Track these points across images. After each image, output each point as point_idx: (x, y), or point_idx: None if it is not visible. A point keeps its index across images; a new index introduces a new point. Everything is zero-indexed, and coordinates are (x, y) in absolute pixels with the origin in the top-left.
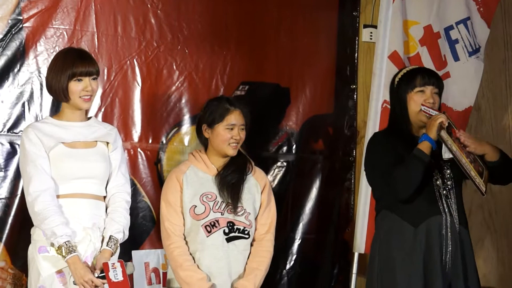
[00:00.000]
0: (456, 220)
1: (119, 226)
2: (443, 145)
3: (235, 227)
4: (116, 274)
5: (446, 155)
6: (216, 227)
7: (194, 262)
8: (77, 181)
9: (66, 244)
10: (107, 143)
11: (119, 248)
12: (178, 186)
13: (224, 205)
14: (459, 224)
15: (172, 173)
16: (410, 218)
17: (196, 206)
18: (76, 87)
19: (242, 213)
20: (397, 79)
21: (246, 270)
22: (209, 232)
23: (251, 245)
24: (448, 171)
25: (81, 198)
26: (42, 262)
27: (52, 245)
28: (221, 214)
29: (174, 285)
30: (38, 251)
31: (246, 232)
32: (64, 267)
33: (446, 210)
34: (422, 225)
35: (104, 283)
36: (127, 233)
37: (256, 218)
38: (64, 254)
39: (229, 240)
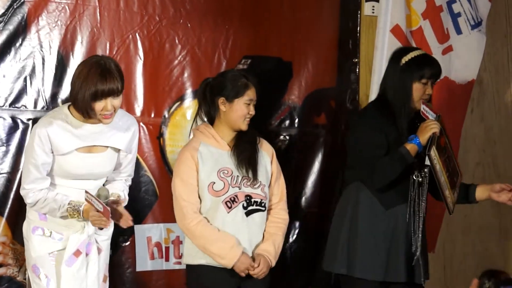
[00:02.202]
0: (423, 210)
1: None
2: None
3: (253, 200)
4: (97, 204)
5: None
6: (236, 202)
7: None
8: (79, 181)
9: (70, 210)
10: (119, 149)
11: (111, 229)
12: (194, 164)
13: (240, 179)
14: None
15: (185, 151)
16: (383, 199)
17: (214, 183)
18: (97, 106)
19: (258, 185)
20: (403, 61)
21: (265, 236)
22: (229, 208)
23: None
24: (426, 170)
25: (78, 189)
26: (35, 243)
27: (65, 216)
28: (239, 189)
29: (193, 262)
30: (32, 231)
31: (262, 204)
32: (57, 250)
33: (416, 198)
34: (392, 210)
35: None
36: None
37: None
38: (76, 216)
39: (248, 214)
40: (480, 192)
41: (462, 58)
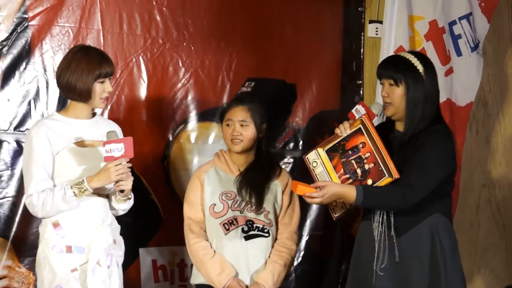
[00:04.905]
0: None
1: None
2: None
3: (255, 225)
4: (116, 148)
5: None
6: (234, 225)
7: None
8: None
9: (74, 188)
10: None
11: (123, 245)
12: (200, 185)
13: (243, 203)
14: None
15: (195, 173)
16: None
17: (215, 205)
18: (100, 88)
19: (262, 211)
20: None
21: (267, 263)
22: (227, 230)
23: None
24: None
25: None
26: (57, 261)
27: (74, 196)
28: (240, 213)
29: (196, 281)
30: (51, 250)
31: (265, 230)
32: (79, 265)
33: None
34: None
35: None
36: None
37: (278, 217)
38: (85, 189)
39: (247, 238)
40: None
41: (462, 80)
